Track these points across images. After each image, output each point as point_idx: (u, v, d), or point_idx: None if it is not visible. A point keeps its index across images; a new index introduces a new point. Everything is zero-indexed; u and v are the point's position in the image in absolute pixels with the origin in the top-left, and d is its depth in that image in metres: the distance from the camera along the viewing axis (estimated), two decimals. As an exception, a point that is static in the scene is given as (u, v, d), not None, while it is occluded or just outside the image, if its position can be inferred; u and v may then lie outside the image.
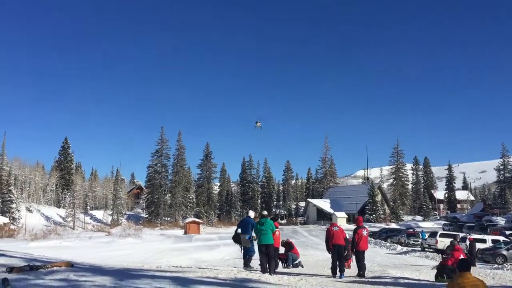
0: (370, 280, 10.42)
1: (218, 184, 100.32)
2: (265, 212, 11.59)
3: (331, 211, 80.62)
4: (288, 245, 15.96)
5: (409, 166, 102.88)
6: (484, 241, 27.05)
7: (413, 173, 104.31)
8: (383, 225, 69.58)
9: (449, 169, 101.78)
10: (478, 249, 24.67)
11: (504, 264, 21.27)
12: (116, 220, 71.49)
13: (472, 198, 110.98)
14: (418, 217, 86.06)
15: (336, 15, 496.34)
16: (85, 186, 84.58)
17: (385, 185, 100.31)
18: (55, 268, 8.95)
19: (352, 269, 13.42)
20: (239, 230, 12.94)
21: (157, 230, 66.99)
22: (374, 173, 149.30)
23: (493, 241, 27.15)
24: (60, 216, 66.95)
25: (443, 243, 28.83)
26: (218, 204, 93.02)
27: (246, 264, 12.91)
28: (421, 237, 37.26)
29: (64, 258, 13.41)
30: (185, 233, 60.69)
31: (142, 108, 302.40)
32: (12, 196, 55.76)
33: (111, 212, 75.59)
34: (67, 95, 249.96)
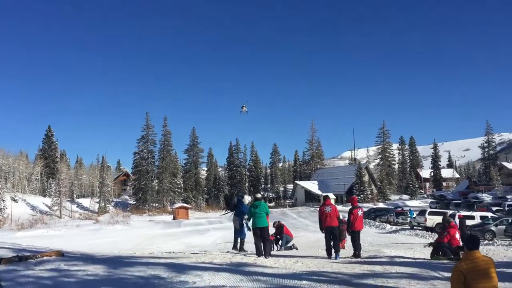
0: (366, 260, 10.32)
1: (206, 169, 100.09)
2: (259, 195, 11.33)
3: (319, 192, 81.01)
4: (280, 227, 15.84)
5: (395, 146, 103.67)
6: (472, 217, 27.34)
7: (399, 153, 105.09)
8: (371, 205, 70.15)
9: (435, 147, 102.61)
10: (467, 225, 24.87)
11: (494, 240, 21.51)
12: (103, 207, 70.89)
13: (457, 176, 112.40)
14: (405, 196, 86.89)
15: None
16: (70, 174, 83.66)
17: (371, 166, 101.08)
18: (45, 258, 8.67)
19: (346, 249, 13.36)
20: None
21: (146, 217, 66.70)
22: (360, 154, 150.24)
23: (481, 217, 27.43)
24: (46, 205, 66.16)
25: (432, 221, 29.11)
26: (206, 189, 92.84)
27: (240, 248, 12.75)
28: (409, 215, 37.59)
29: (53, 247, 13.11)
30: (174, 218, 60.53)
31: (126, 94, 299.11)
32: (-4, 186, 54.86)
33: (98, 200, 74.95)
34: (49, 83, 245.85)
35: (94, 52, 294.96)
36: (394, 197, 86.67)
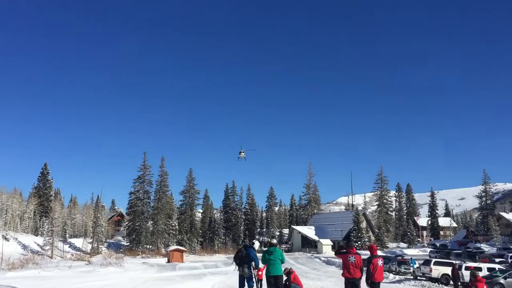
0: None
1: (201, 211, 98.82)
2: (274, 241, 10.84)
3: (315, 238, 79.85)
4: (289, 274, 15.19)
5: (392, 193, 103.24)
6: (479, 269, 26.62)
7: (396, 200, 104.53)
8: (368, 253, 68.97)
9: (432, 196, 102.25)
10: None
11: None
12: (96, 248, 69.38)
13: (454, 225, 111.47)
14: (403, 244, 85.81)
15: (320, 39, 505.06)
16: (64, 213, 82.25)
17: (368, 212, 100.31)
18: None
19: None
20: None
21: (139, 259, 65.15)
22: (357, 200, 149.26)
23: (489, 269, 26.76)
24: (38, 245, 64.61)
25: (438, 271, 28.39)
26: (201, 232, 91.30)
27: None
28: (411, 264, 36.77)
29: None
30: (168, 261, 59.08)
31: (123, 134, 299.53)
32: (-12, 223, 53.63)
33: (91, 240, 73.41)
34: (45, 120, 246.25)
35: (91, 89, 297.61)
36: (391, 244, 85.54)
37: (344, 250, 10.80)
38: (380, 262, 10.85)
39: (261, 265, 26.06)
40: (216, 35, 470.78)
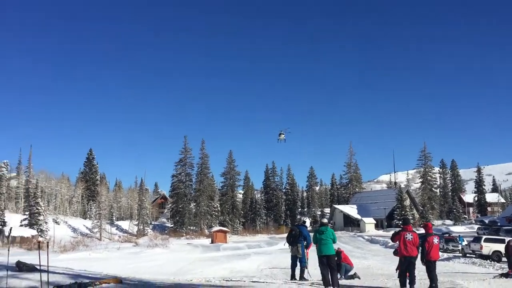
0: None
1: (242, 192, 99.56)
2: (325, 220, 10.63)
3: (358, 216, 79.16)
4: (338, 254, 14.98)
5: (436, 169, 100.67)
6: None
7: (440, 176, 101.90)
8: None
9: (478, 171, 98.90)
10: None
11: None
12: (142, 230, 71.29)
13: (502, 200, 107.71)
14: (448, 221, 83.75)
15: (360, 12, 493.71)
16: (110, 197, 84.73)
17: (411, 189, 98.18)
18: (104, 285, 8.26)
19: (421, 282, 12.33)
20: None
21: (183, 240, 66.47)
22: (399, 177, 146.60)
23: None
24: (87, 227, 66.98)
25: (489, 248, 27.43)
26: (242, 212, 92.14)
27: (301, 276, 12.06)
28: (459, 242, 35.78)
29: (105, 272, 12.76)
30: (212, 242, 59.98)
31: (164, 117, 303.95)
32: (39, 208, 55.85)
33: (136, 222, 75.48)
34: (90, 106, 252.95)
35: (132, 72, 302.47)
36: (437, 222, 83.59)
37: (400, 229, 10.47)
38: (435, 240, 10.44)
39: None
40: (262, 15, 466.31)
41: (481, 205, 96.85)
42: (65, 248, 44.47)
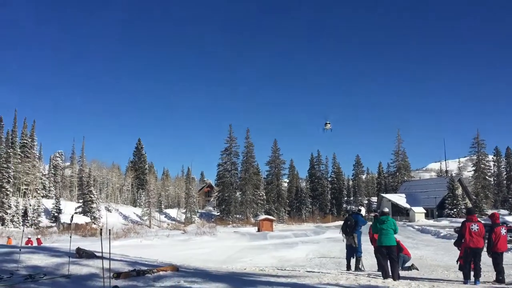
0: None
1: (287, 181, 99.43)
2: (386, 209, 10.23)
3: (407, 206, 77.32)
4: (397, 244, 14.51)
5: (489, 157, 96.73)
6: None
7: (494, 164, 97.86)
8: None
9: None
10: None
11: None
12: (189, 218, 72.61)
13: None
14: (503, 211, 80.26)
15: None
16: (158, 185, 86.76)
17: (463, 178, 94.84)
18: (161, 273, 8.29)
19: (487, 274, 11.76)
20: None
21: (230, 228, 67.11)
22: (450, 166, 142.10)
23: None
24: (137, 215, 68.88)
25: (550, 239, 25.99)
26: (287, 201, 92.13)
27: (356, 267, 11.77)
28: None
29: (161, 259, 12.92)
30: (258, 230, 60.23)
31: (209, 107, 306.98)
32: (92, 196, 57.90)
33: (184, 211, 76.94)
34: (137, 97, 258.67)
35: (186, 69, 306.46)
36: (490, 211, 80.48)
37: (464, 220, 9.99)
38: (503, 231, 9.90)
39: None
40: None
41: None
42: (117, 235, 45.71)
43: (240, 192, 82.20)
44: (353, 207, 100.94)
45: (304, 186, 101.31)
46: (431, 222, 66.68)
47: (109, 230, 9.55)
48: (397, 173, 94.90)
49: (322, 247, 33.90)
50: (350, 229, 12.12)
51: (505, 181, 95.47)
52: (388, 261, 9.48)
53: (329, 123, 56.31)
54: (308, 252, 28.98)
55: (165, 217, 74.79)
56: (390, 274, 9.32)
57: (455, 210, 71.35)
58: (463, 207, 73.79)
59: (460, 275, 10.71)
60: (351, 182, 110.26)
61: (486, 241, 9.93)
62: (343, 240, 12.59)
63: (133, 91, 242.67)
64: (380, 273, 9.82)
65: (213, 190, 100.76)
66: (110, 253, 7.64)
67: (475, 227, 9.57)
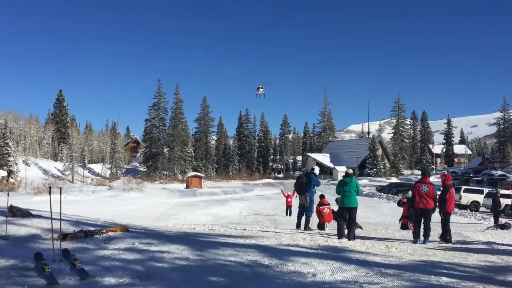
0: (462, 246, 9.22)
1: (216, 138, 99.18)
2: (351, 171, 10.07)
3: (331, 165, 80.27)
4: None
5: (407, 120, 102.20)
6: (509, 196, 26.19)
7: (410, 127, 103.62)
8: (383, 179, 69.34)
9: (448, 123, 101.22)
10: (507, 205, 23.98)
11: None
12: (115, 173, 70.51)
13: (469, 152, 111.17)
14: (417, 171, 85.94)
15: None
16: (80, 139, 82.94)
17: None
18: (110, 233, 7.70)
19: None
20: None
21: (157, 184, 66.16)
22: (370, 128, 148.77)
23: (524, 197, 26.31)
24: (58, 170, 65.71)
25: (467, 198, 28.15)
26: (215, 158, 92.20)
27: (306, 226, 11.78)
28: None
29: (96, 217, 12.14)
30: (187, 187, 59.95)
31: (137, 61, 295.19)
32: (9, 149, 54.16)
33: (109, 166, 74.48)
34: (59, 47, 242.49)
35: (104, 13, 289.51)
36: (406, 172, 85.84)
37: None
38: (454, 192, 10.25)
39: (289, 192, 25.85)
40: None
41: (449, 156, 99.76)
42: (38, 190, 43.27)
43: (168, 149, 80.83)
44: (314, 166, 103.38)
45: (232, 144, 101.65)
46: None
47: (49, 187, 8.68)
48: (323, 134, 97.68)
49: (253, 204, 34.35)
50: (301, 188, 12.01)
51: (419, 143, 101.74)
52: (345, 221, 9.50)
53: (261, 88, 54.99)
54: (241, 209, 29.22)
55: (89, 172, 71.98)
56: (346, 233, 9.36)
57: (374, 169, 75.17)
58: (382, 167, 77.98)
59: (404, 233, 11.09)
60: (278, 141, 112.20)
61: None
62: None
63: (53, 38, 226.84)
64: (331, 233, 9.87)
65: (140, 145, 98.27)
66: (51, 212, 6.88)
67: (425, 188, 9.79)
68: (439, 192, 10.12)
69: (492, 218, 20.11)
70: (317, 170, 12.82)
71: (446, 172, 12.58)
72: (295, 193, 26.00)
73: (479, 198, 27.60)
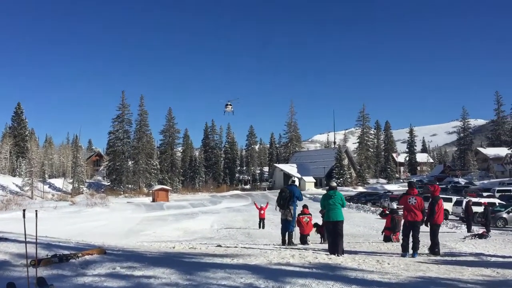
0: (452, 259, 9.05)
1: (181, 150, 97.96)
2: (334, 184, 9.76)
3: (298, 175, 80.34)
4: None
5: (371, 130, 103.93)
6: (480, 204, 26.68)
7: (374, 137, 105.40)
8: (350, 189, 69.90)
9: (411, 132, 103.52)
10: (476, 212, 24.35)
11: (507, 227, 21.00)
12: (77, 188, 68.31)
13: (431, 160, 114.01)
14: (382, 180, 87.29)
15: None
16: (40, 153, 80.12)
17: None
18: (87, 257, 7.07)
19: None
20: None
21: (122, 198, 64.49)
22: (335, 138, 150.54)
23: (488, 204, 26.85)
24: (17, 185, 63.06)
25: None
26: (182, 171, 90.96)
27: (289, 241, 11.38)
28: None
29: (71, 239, 11.39)
30: (153, 200, 58.65)
31: (100, 72, 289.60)
32: (-37, 164, 51.49)
33: (71, 180, 72.14)
34: (19, 58, 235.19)
35: (68, 24, 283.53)
36: (371, 181, 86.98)
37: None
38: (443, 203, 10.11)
39: (263, 204, 25.38)
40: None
41: (412, 165, 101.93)
42: (-5, 207, 41.35)
43: (132, 162, 79.08)
44: (295, 178, 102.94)
45: (198, 156, 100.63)
46: (320, 190, 70.11)
47: (24, 210, 7.97)
48: (289, 144, 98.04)
49: (223, 217, 33.74)
50: (285, 202, 11.57)
51: (383, 153, 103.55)
52: (332, 236, 9.18)
53: (230, 105, 53.76)
54: (212, 223, 28.64)
55: (49, 187, 69.39)
56: (336, 250, 9.03)
57: (341, 179, 75.76)
58: (348, 176, 78.75)
59: (388, 246, 10.88)
60: (244, 152, 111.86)
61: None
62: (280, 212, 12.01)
63: (13, 49, 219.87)
64: (316, 247, 9.52)
65: (103, 159, 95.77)
66: (25, 235, 6.23)
67: (412, 200, 9.60)
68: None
69: (464, 227, 20.30)
70: (297, 182, 12.47)
71: (437, 184, 12.52)
72: (268, 205, 25.63)
73: (448, 206, 27.97)
